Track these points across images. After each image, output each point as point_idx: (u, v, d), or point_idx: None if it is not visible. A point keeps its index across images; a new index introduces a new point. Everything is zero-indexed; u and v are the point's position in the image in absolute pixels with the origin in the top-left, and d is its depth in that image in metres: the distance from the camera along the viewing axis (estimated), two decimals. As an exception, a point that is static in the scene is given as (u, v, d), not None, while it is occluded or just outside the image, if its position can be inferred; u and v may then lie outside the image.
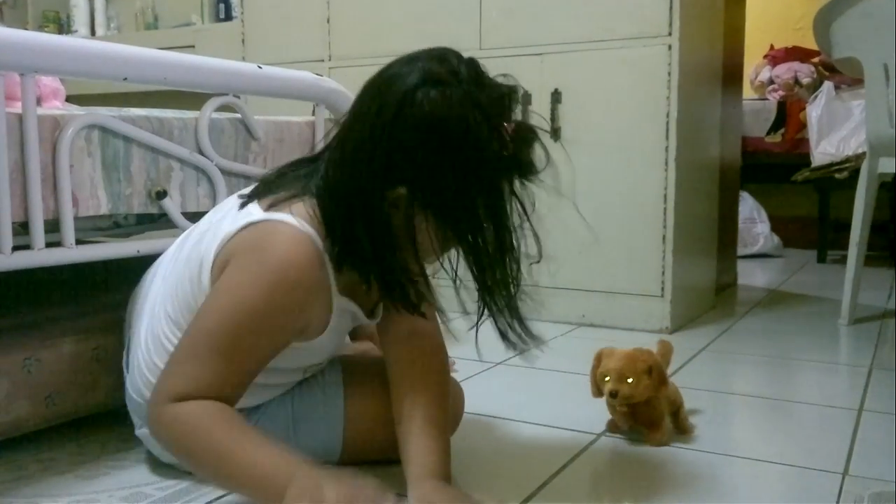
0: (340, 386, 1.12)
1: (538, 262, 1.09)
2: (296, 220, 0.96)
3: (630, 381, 1.18)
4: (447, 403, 1.09)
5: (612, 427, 1.29)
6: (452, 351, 1.17)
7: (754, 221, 3.70)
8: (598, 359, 1.23)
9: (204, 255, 1.00)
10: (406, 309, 1.02)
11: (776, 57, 3.99)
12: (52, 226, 1.12)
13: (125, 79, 1.18)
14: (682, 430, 1.28)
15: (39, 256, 1.09)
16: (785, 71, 3.87)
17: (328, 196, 0.97)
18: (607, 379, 1.19)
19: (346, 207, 0.95)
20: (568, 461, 1.17)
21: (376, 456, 1.11)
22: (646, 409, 1.22)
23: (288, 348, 0.99)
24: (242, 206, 1.01)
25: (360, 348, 1.38)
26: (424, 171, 0.93)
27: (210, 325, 0.94)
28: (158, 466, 1.12)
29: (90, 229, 1.27)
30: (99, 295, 1.46)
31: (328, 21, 2.52)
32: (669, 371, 1.60)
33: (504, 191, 0.98)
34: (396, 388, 1.07)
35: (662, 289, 2.07)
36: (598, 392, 1.23)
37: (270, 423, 1.08)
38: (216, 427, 0.90)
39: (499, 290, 1.01)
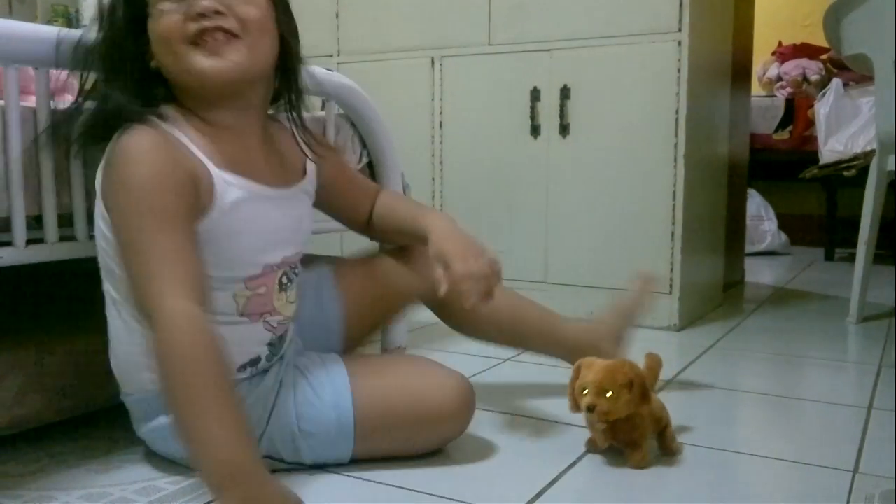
0: (342, 364, 1.14)
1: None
2: (134, 127, 1.00)
3: (609, 395, 1.09)
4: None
5: (592, 445, 1.20)
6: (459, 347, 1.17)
7: (762, 219, 3.70)
8: (578, 370, 1.15)
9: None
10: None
11: (784, 54, 3.98)
12: (66, 220, 1.12)
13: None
14: (668, 450, 1.18)
15: (53, 250, 1.10)
16: (793, 68, 3.86)
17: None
18: (585, 392, 1.11)
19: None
20: (577, 458, 1.18)
21: (388, 446, 1.12)
22: (626, 426, 1.12)
23: (215, 239, 1.01)
24: None
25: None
26: None
27: (125, 224, 0.96)
28: (170, 461, 1.13)
29: (102, 223, 1.27)
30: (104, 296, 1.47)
31: (337, 16, 2.52)
32: (673, 372, 1.61)
33: None
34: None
35: (671, 286, 2.06)
36: (576, 407, 1.14)
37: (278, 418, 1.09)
38: (200, 370, 0.88)
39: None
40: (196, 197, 0.99)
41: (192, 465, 0.91)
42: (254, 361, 1.10)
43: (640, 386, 1.11)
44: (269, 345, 1.12)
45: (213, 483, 0.86)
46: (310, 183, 1.20)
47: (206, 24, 0.99)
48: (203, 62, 1.00)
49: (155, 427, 1.09)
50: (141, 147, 0.98)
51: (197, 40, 1.00)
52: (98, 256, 1.07)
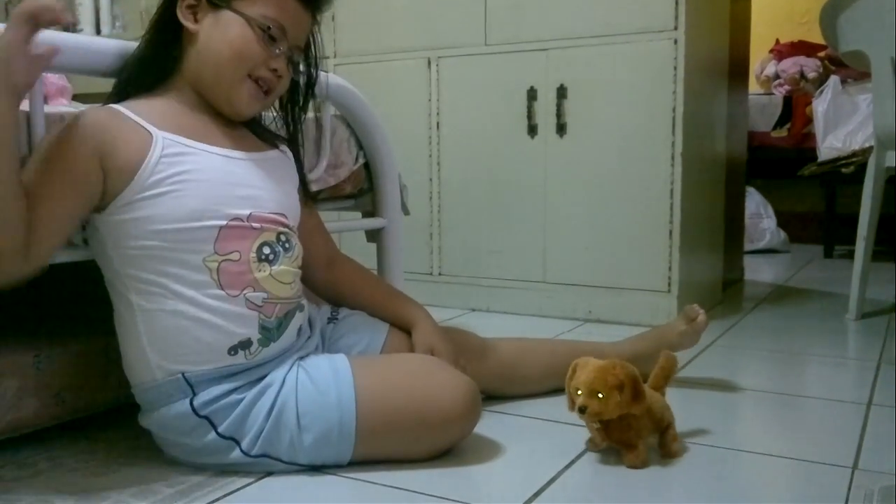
0: (348, 365, 1.13)
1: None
2: (95, 106, 1.11)
3: (600, 396, 1.09)
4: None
5: (592, 444, 1.20)
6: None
7: (761, 217, 3.70)
8: (573, 370, 1.15)
9: None
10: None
11: (782, 51, 3.98)
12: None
13: (132, 76, 1.18)
14: (667, 452, 1.16)
15: (48, 254, 1.09)
16: (791, 65, 3.86)
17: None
18: (579, 393, 1.11)
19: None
20: (575, 457, 1.17)
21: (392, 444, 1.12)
22: (619, 426, 1.12)
23: (162, 197, 1.05)
24: None
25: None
26: None
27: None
28: (168, 463, 1.13)
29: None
30: (107, 292, 1.46)
31: (333, 18, 2.52)
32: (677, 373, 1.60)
33: None
34: (351, 298, 1.34)
35: (669, 284, 2.06)
36: (573, 405, 1.13)
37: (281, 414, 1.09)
38: None
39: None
40: (109, 162, 1.05)
41: None
42: (244, 344, 1.08)
43: (632, 387, 1.10)
44: (262, 328, 1.10)
45: None
46: (284, 158, 1.25)
47: (270, 82, 1.14)
48: (243, 98, 1.14)
49: (158, 417, 1.09)
50: (73, 118, 1.06)
51: (252, 74, 1.13)
52: (91, 245, 1.11)
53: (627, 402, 1.10)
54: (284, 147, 1.26)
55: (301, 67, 1.21)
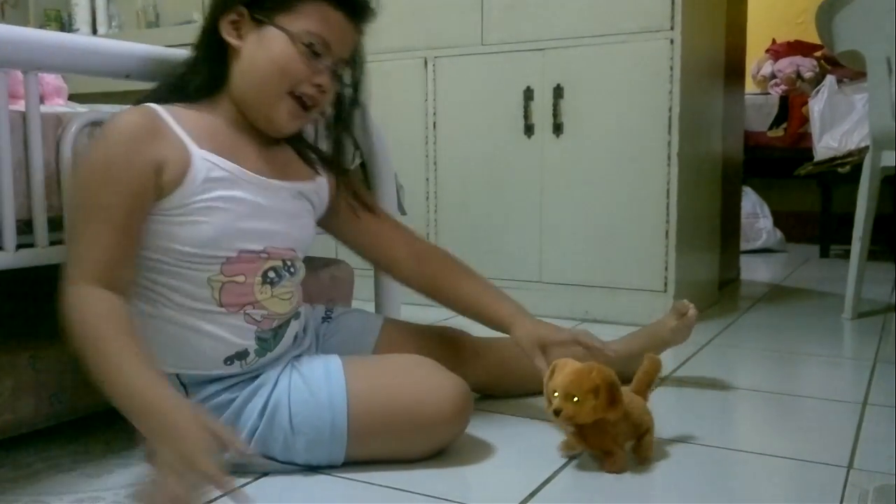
0: (341, 365, 1.13)
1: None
2: (130, 108, 1.08)
3: (575, 399, 1.07)
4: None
5: (566, 447, 1.17)
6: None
7: (757, 216, 3.70)
8: (552, 371, 1.12)
9: None
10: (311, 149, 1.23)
11: (778, 51, 3.98)
12: (56, 224, 1.12)
13: (128, 76, 1.18)
14: (640, 458, 1.14)
15: (43, 254, 1.09)
16: (787, 65, 3.86)
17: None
18: (556, 395, 1.08)
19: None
20: (572, 456, 1.17)
21: (382, 448, 1.12)
22: (593, 432, 1.10)
23: (190, 213, 1.04)
24: None
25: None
26: None
27: (74, 202, 1.04)
28: (163, 463, 1.13)
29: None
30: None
31: (329, 18, 2.51)
32: (668, 369, 1.61)
33: None
34: (437, 292, 1.29)
35: (665, 284, 2.06)
36: (549, 407, 1.11)
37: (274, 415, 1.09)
38: (103, 328, 0.96)
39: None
40: (158, 177, 1.03)
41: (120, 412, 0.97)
42: (240, 354, 1.10)
43: (607, 392, 1.07)
44: (259, 339, 1.11)
45: (130, 417, 0.93)
46: (319, 188, 1.22)
47: (313, 98, 1.12)
48: (283, 115, 1.12)
49: None
50: (117, 127, 1.04)
51: (294, 91, 1.11)
52: None
53: (602, 406, 1.07)
54: (322, 172, 1.24)
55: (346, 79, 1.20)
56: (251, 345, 1.10)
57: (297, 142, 1.23)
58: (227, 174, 1.07)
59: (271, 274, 1.12)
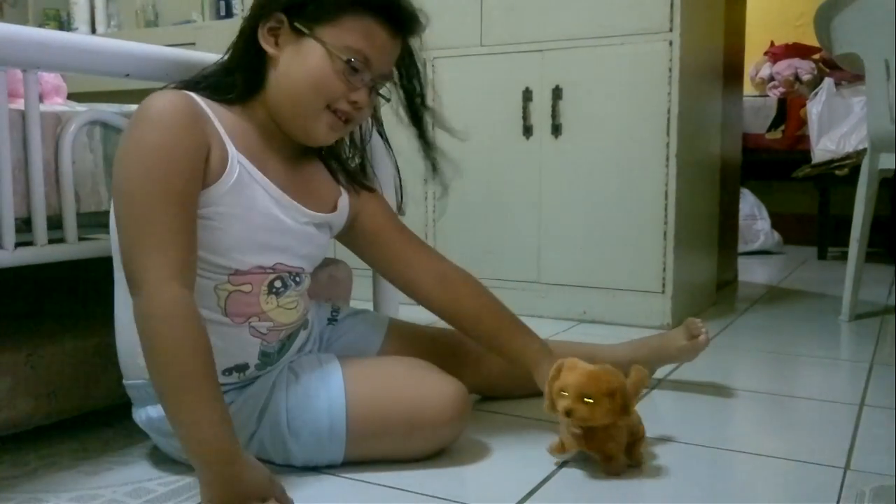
0: (339, 368, 1.13)
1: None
2: (166, 91, 1.04)
3: (590, 401, 1.04)
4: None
5: (557, 448, 1.13)
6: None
7: (755, 218, 3.70)
8: (558, 370, 1.09)
9: None
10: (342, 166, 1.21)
11: (776, 54, 3.99)
12: (55, 222, 1.12)
13: (127, 75, 1.18)
14: (636, 461, 1.13)
15: (42, 252, 1.09)
16: (785, 67, 3.87)
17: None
18: (564, 394, 1.05)
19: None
20: (570, 457, 1.17)
21: (381, 448, 1.12)
22: (602, 436, 1.08)
23: (211, 216, 1.01)
24: None
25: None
26: None
27: (130, 197, 0.96)
28: (161, 462, 1.13)
29: (92, 225, 1.27)
30: (101, 291, 1.46)
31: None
32: (666, 370, 1.61)
33: None
34: (458, 318, 1.24)
35: (663, 285, 2.07)
36: (552, 407, 1.09)
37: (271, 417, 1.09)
38: (191, 359, 0.91)
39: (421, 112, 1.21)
40: (205, 164, 1.00)
41: (180, 444, 0.94)
42: (241, 367, 1.09)
43: (623, 397, 1.06)
44: (263, 353, 1.10)
45: (198, 462, 0.90)
46: (338, 217, 1.20)
47: (350, 114, 1.09)
48: (322, 127, 1.09)
49: (149, 415, 1.09)
50: (161, 108, 0.99)
51: (330, 106, 1.08)
52: (112, 236, 1.06)
53: (616, 410, 1.05)
54: (345, 190, 1.21)
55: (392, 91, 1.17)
56: (253, 360, 1.10)
57: (330, 158, 1.21)
58: (255, 182, 1.06)
59: (277, 283, 1.10)
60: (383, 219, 1.26)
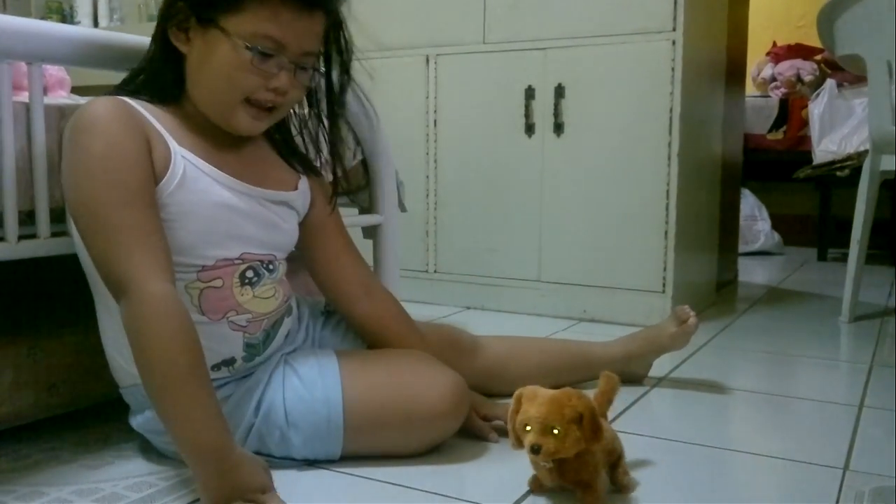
0: (335, 360, 1.13)
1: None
2: (99, 98, 1.02)
3: (556, 432, 0.93)
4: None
5: (535, 485, 1.04)
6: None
7: (755, 219, 3.71)
8: (518, 402, 0.98)
9: None
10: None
11: (779, 54, 3.99)
12: (58, 215, 1.12)
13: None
14: (620, 486, 1.04)
15: (45, 245, 1.09)
16: (787, 68, 3.87)
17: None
18: (528, 429, 0.95)
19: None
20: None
21: (380, 441, 1.12)
22: (576, 465, 0.97)
23: (166, 216, 1.00)
24: None
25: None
26: None
27: (92, 204, 0.95)
28: (162, 457, 1.13)
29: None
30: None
31: (332, 14, 2.51)
32: (666, 370, 1.61)
33: None
34: (378, 337, 1.23)
35: (664, 284, 2.07)
36: (518, 443, 0.98)
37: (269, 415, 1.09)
38: (182, 358, 0.91)
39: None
40: (151, 164, 1.00)
41: (174, 442, 0.94)
42: (228, 362, 1.08)
43: (591, 420, 0.95)
44: (247, 346, 1.09)
45: (193, 458, 0.91)
46: (300, 196, 1.18)
47: (273, 101, 1.05)
48: (244, 121, 1.06)
49: (146, 419, 1.09)
50: (97, 115, 0.98)
51: (250, 98, 1.04)
52: (77, 249, 1.06)
53: (587, 436, 0.95)
54: (303, 177, 1.19)
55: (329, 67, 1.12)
56: (238, 353, 1.09)
57: (278, 142, 1.19)
58: (204, 174, 1.05)
59: (249, 274, 1.08)
60: (326, 216, 1.23)
